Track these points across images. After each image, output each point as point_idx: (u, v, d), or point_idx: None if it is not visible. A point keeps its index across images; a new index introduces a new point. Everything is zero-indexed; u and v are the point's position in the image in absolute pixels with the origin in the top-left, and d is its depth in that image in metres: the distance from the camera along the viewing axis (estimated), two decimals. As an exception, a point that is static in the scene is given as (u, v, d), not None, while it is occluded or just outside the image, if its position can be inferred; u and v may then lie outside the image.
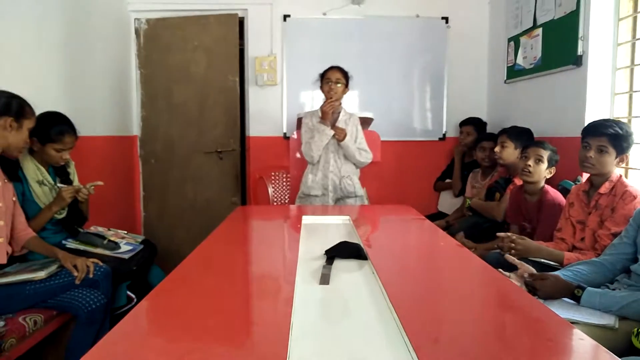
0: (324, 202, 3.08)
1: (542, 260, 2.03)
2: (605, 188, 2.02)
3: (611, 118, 2.20)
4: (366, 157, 3.12)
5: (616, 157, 2.00)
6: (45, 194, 2.33)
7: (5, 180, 2.06)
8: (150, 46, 4.08)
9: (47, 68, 2.84)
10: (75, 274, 2.08)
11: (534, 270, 1.81)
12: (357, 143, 3.11)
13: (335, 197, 3.10)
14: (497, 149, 2.98)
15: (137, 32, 4.06)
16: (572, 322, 1.47)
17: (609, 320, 1.56)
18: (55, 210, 2.31)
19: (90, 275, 2.12)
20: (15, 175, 2.17)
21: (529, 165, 2.50)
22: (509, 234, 2.15)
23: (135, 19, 4.06)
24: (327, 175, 3.07)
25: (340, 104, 3.09)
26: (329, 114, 2.98)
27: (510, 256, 1.89)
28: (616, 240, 1.86)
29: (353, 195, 3.10)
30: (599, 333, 1.49)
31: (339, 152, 3.07)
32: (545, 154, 2.47)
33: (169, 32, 4.05)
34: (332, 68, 3.02)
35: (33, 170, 2.30)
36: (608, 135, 1.99)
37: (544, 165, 2.47)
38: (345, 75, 3.02)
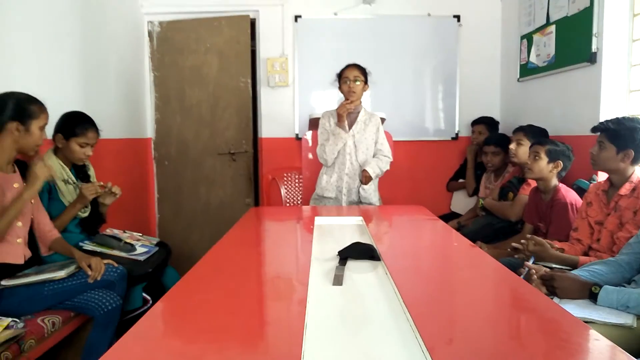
0: (337, 204, 3.01)
1: (555, 266, 2.01)
2: (625, 189, 1.99)
3: (628, 116, 2.16)
4: (386, 162, 3.01)
5: (618, 153, 1.98)
6: (70, 193, 2.40)
7: (24, 183, 2.10)
8: (163, 49, 4.12)
9: (62, 71, 2.88)
10: (89, 272, 2.11)
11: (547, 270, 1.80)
12: (378, 144, 3.01)
13: (349, 201, 3.00)
14: (512, 146, 2.95)
15: (150, 34, 4.11)
16: (589, 322, 1.46)
17: (626, 319, 1.54)
18: (79, 208, 2.38)
19: (98, 278, 2.13)
20: None
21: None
22: (530, 237, 2.10)
23: (148, 21, 4.10)
24: (342, 177, 2.98)
25: (361, 102, 3.01)
26: (343, 117, 2.91)
27: (529, 264, 1.88)
28: (632, 239, 1.83)
29: (367, 202, 3.00)
30: (616, 332, 1.47)
31: (357, 154, 2.97)
32: (542, 149, 2.46)
33: (181, 34, 4.08)
34: (349, 66, 2.93)
35: (58, 170, 2.36)
36: (605, 130, 2.02)
37: (543, 161, 2.45)
38: (364, 72, 2.93)
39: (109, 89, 3.50)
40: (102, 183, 2.44)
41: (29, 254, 2.11)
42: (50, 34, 2.76)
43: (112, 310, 2.09)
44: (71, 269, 2.11)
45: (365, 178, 2.92)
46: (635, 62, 2.63)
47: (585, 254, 2.11)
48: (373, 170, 2.93)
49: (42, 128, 2.06)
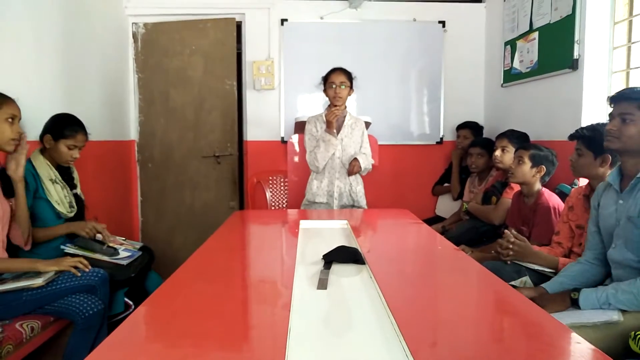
0: (328, 209, 3.00)
1: (537, 267, 2.03)
2: None
3: (602, 122, 2.21)
4: (369, 164, 3.03)
5: (596, 158, 2.01)
6: (57, 192, 2.36)
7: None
8: (148, 50, 4.08)
9: (45, 72, 2.84)
10: (73, 271, 2.09)
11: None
12: (362, 148, 3.02)
13: (341, 205, 2.99)
14: (497, 152, 2.98)
15: (134, 36, 4.07)
16: (578, 326, 1.48)
17: (612, 315, 1.55)
18: (72, 230, 2.39)
19: (87, 270, 2.13)
20: (12, 191, 2.15)
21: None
22: (510, 233, 2.11)
23: (132, 23, 4.06)
24: (333, 182, 2.97)
25: (346, 107, 3.01)
26: (333, 123, 2.90)
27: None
28: (587, 234, 1.88)
29: (357, 205, 3.01)
30: (606, 331, 1.49)
31: (347, 158, 2.97)
32: (526, 153, 2.48)
33: (166, 36, 4.05)
34: (335, 70, 2.92)
35: (46, 169, 2.35)
36: (581, 137, 2.06)
37: (527, 165, 2.48)
38: (349, 76, 2.92)
39: (92, 90, 3.45)
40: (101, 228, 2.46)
41: (5, 256, 2.06)
42: (33, 35, 2.71)
43: (93, 314, 2.06)
44: (50, 275, 2.05)
45: (355, 167, 2.90)
46: (615, 69, 2.68)
47: (566, 256, 2.14)
48: (363, 161, 2.94)
49: (11, 121, 1.99)
